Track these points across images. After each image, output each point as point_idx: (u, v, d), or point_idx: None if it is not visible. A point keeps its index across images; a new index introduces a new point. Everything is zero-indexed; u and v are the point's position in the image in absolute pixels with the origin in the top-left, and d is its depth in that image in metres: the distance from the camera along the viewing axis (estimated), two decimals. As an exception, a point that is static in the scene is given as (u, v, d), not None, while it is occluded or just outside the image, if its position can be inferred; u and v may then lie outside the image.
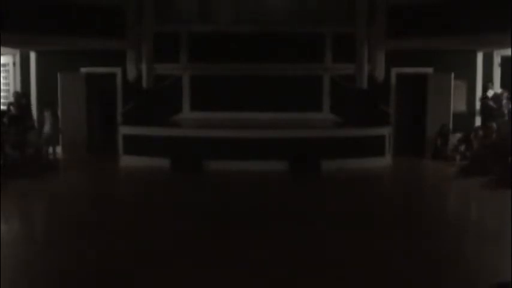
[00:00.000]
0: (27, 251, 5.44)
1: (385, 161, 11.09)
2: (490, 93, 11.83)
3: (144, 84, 11.85)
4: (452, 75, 11.91)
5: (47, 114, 11.08)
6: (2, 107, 11.93)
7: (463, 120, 12.12)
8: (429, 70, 12.22)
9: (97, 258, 5.18)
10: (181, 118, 12.11)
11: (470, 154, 10.65)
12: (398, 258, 5.22)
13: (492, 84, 12.09)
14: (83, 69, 12.41)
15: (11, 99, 11.98)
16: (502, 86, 12.05)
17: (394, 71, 12.28)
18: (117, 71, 12.36)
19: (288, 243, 5.72)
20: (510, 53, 11.68)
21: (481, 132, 10.93)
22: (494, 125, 10.75)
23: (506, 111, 11.42)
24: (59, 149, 11.65)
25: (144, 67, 11.82)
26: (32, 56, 12.57)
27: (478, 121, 12.19)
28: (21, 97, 11.81)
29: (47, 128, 10.84)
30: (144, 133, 10.93)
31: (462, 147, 11.16)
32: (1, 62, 12.42)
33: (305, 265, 4.98)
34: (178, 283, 4.57)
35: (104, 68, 12.39)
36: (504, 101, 11.53)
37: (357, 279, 4.65)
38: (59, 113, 12.04)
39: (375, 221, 6.74)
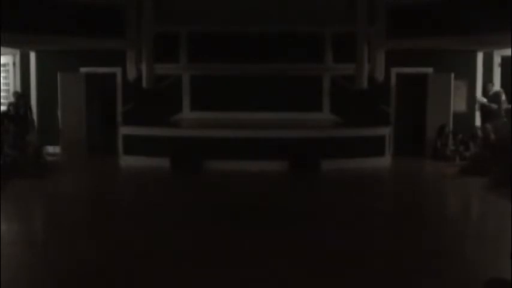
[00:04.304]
0: (27, 251, 5.44)
1: (385, 161, 11.09)
2: (491, 92, 11.85)
3: (144, 84, 11.85)
4: (452, 75, 11.92)
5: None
6: (2, 107, 11.94)
7: (463, 120, 12.13)
8: (429, 70, 12.23)
9: (97, 259, 5.18)
10: (181, 118, 12.12)
11: (470, 154, 10.65)
12: (399, 257, 5.22)
13: (492, 84, 12.10)
14: (83, 69, 12.41)
15: (11, 99, 11.99)
16: (502, 86, 12.05)
17: (394, 71, 12.28)
18: (117, 71, 12.36)
19: (288, 243, 5.72)
20: (510, 53, 11.68)
21: (480, 133, 10.93)
22: (493, 125, 10.74)
23: (504, 112, 11.42)
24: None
25: (144, 67, 11.82)
26: (32, 56, 12.57)
27: (478, 121, 12.21)
28: (20, 98, 11.82)
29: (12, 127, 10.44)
30: (144, 133, 10.93)
31: (462, 148, 11.17)
32: (1, 62, 12.42)
33: (305, 265, 4.99)
34: (178, 283, 4.57)
35: (104, 68, 12.40)
36: (503, 101, 11.53)
37: (357, 278, 4.65)
38: (59, 113, 12.07)
39: (375, 221, 6.74)
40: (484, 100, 11.86)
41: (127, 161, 10.88)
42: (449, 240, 5.86)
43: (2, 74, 12.52)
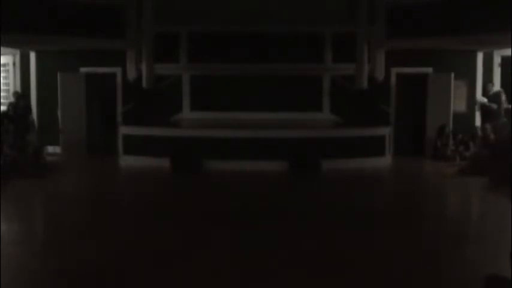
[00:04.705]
0: (27, 251, 5.44)
1: (385, 161, 11.10)
2: (491, 92, 11.85)
3: (144, 84, 11.85)
4: (452, 75, 11.92)
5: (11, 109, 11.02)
6: (2, 107, 11.94)
7: (463, 120, 12.13)
8: (429, 70, 12.23)
9: (97, 259, 5.18)
10: (181, 118, 12.12)
11: (470, 154, 10.65)
12: (398, 257, 5.22)
13: (492, 84, 12.10)
14: (83, 69, 12.41)
15: (11, 99, 11.99)
16: (502, 86, 12.05)
17: (394, 71, 12.28)
18: (117, 71, 12.36)
19: (287, 242, 5.72)
20: (510, 53, 11.68)
21: (480, 133, 10.94)
22: (493, 125, 10.74)
23: (504, 112, 11.42)
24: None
25: (144, 67, 11.82)
26: (32, 56, 12.57)
27: (478, 121, 12.21)
28: (20, 98, 11.82)
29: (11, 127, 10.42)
30: (144, 133, 10.94)
31: (462, 148, 11.17)
32: (1, 62, 12.42)
33: (305, 265, 4.99)
34: (178, 283, 4.57)
35: (104, 68, 12.40)
36: (503, 101, 11.53)
37: (357, 278, 4.65)
38: (59, 113, 12.07)
39: (375, 221, 6.74)
40: (484, 100, 11.87)
41: (127, 161, 10.88)
42: (449, 240, 5.86)
43: (2, 74, 12.53)
